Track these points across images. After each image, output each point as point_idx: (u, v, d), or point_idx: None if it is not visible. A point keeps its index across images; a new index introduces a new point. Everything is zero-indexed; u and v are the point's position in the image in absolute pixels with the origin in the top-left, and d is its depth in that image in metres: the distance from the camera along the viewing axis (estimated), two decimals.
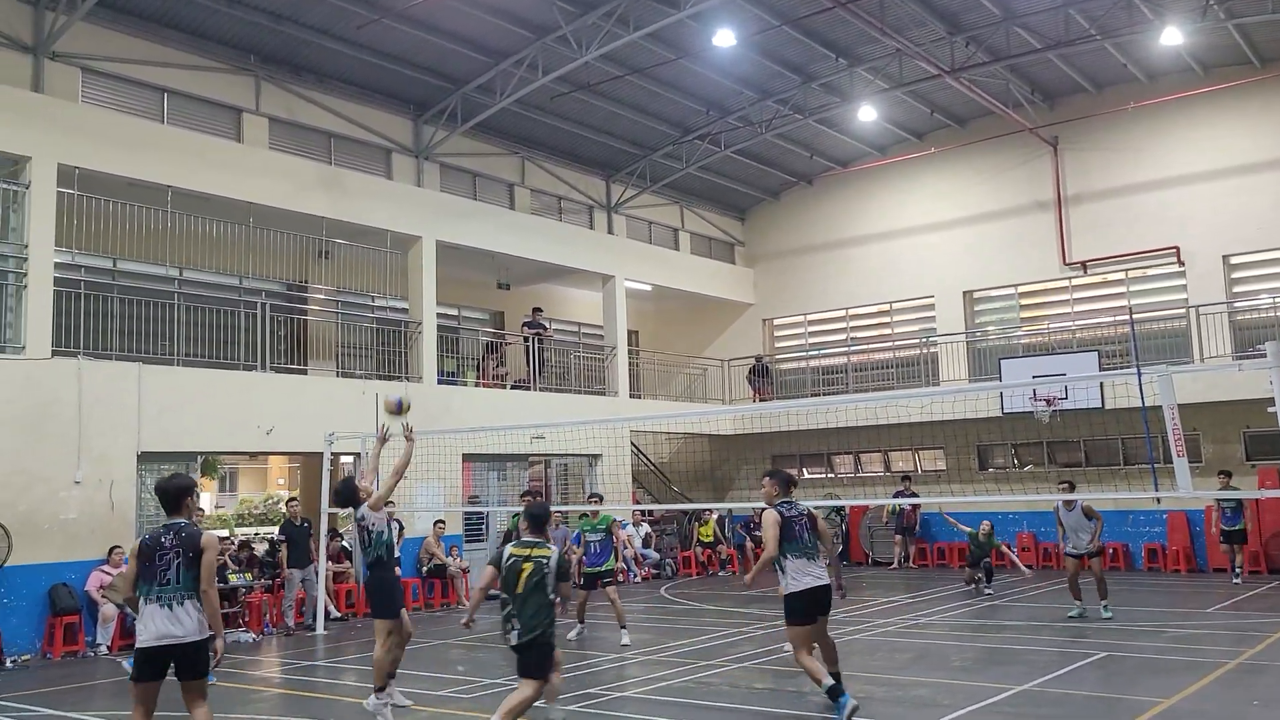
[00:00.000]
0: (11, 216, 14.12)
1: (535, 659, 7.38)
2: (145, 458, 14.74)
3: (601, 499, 15.73)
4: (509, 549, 7.67)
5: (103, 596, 13.56)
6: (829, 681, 8.21)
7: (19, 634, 13.06)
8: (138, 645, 6.44)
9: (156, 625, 6.34)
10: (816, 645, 8.63)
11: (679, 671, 10.89)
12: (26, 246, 13.87)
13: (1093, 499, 19.34)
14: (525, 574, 7.39)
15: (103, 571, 13.69)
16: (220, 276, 16.98)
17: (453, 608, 17.44)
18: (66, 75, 15.59)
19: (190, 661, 6.39)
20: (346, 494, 9.63)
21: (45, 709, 9.87)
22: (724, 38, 18.08)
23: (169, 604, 6.36)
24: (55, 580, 13.40)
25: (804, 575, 8.42)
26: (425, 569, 17.65)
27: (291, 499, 16.70)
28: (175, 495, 6.69)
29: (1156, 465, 12.08)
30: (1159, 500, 14.17)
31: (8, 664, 12.60)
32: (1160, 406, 9.48)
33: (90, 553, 13.80)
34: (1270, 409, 8.56)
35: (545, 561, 7.41)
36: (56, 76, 15.40)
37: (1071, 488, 14.57)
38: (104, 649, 13.45)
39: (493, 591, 7.89)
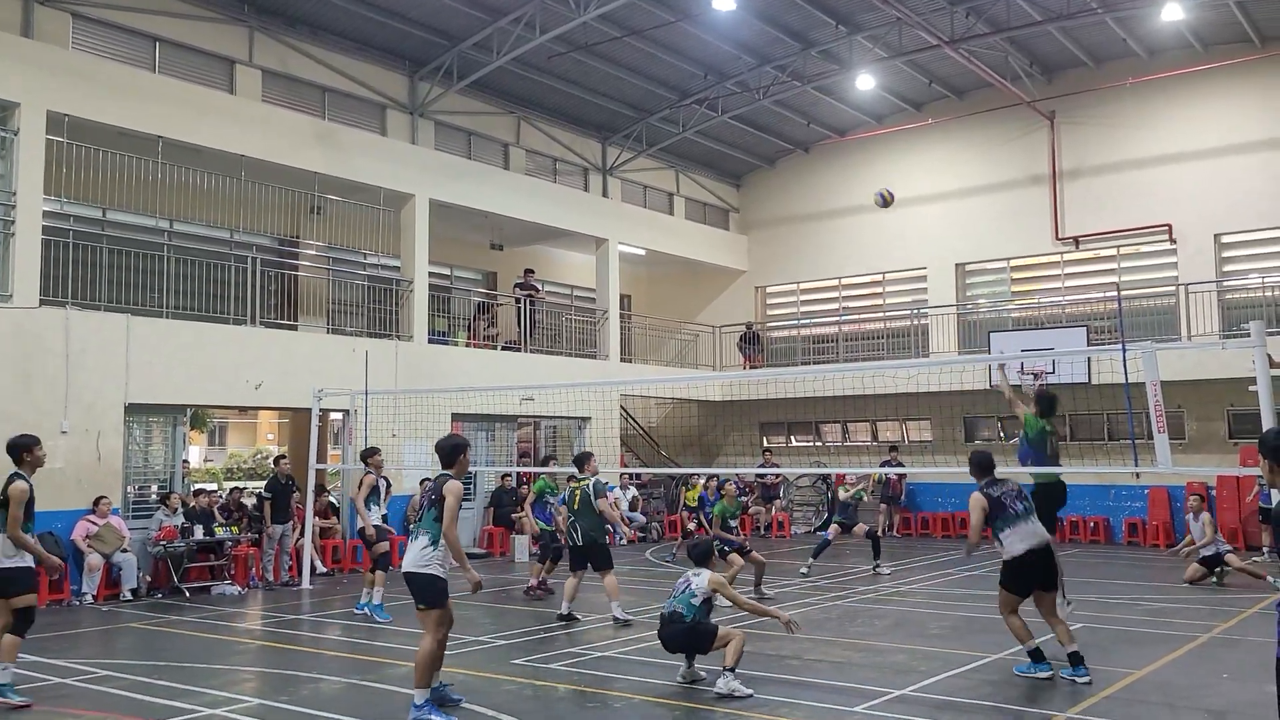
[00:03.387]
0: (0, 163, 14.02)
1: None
2: (133, 409, 14.74)
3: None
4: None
5: (88, 546, 13.61)
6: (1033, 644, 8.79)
7: None
8: None
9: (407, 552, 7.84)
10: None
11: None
12: (14, 194, 13.78)
13: (1075, 473, 19.53)
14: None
15: (89, 521, 13.73)
16: (211, 229, 16.91)
17: None
18: (57, 20, 15.41)
19: (416, 588, 7.63)
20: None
21: (31, 656, 9.93)
22: (724, 1, 17.93)
23: (414, 537, 7.82)
24: (41, 529, 13.34)
25: (1020, 541, 8.69)
26: (412, 527, 17.72)
27: (281, 456, 16.77)
28: (448, 453, 7.95)
29: (1139, 441, 12.18)
30: (1138, 475, 14.29)
31: None
32: (1144, 383, 9.53)
33: (76, 502, 13.84)
34: (1252, 388, 8.63)
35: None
36: (47, 21, 15.22)
37: (1201, 502, 15.08)
38: (89, 598, 13.51)
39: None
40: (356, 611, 12.40)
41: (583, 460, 12.57)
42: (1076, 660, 8.55)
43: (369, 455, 13.12)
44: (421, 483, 15.94)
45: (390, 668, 9.43)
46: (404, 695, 8.33)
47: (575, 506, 12.07)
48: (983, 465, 9.09)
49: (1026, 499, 8.97)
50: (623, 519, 14.04)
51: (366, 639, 10.82)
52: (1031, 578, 8.77)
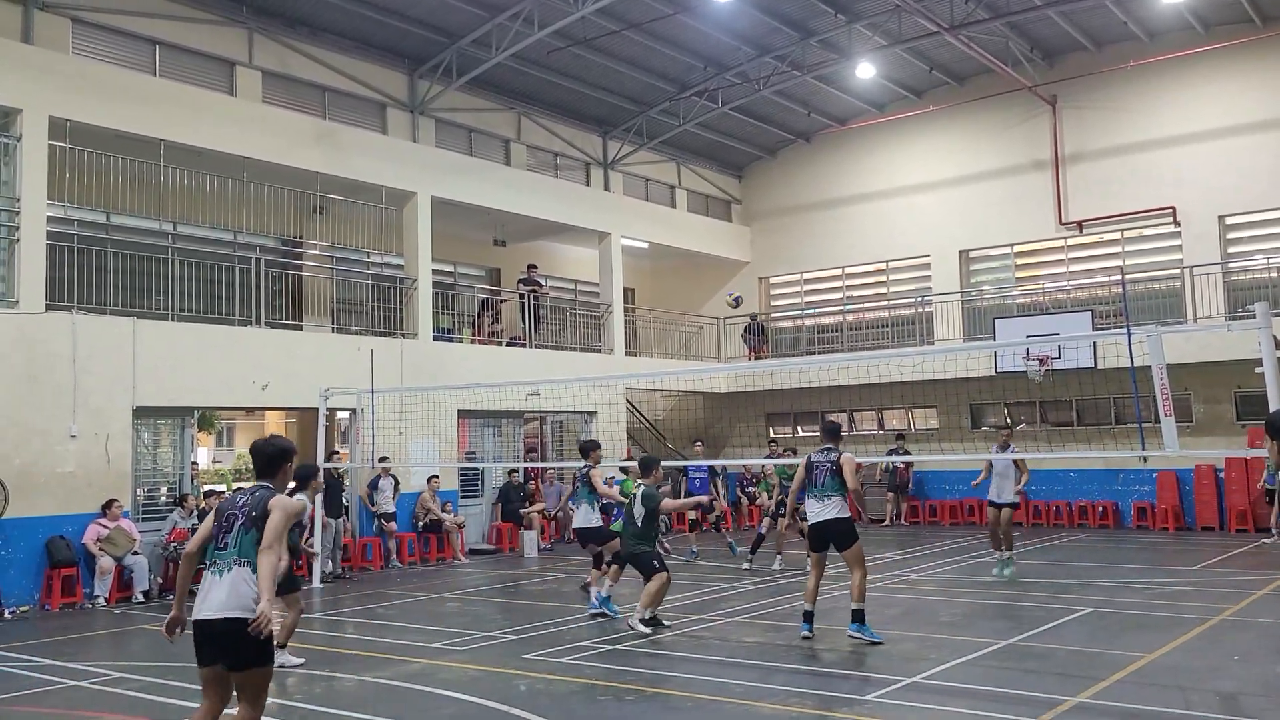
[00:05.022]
0: (3, 169, 14.04)
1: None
2: (141, 412, 14.79)
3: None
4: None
5: (100, 549, 13.67)
6: (806, 608, 10.00)
7: (17, 586, 13.19)
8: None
9: (206, 593, 5.45)
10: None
11: (670, 625, 11.01)
12: (18, 200, 13.81)
13: (1083, 458, 19.58)
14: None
15: (99, 525, 13.79)
16: (214, 231, 16.94)
17: (448, 562, 17.61)
18: (57, 26, 15.43)
19: (248, 639, 5.28)
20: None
21: (43, 659, 10.01)
22: None
23: (220, 571, 5.44)
24: (52, 533, 13.51)
25: (810, 512, 10.09)
26: (421, 524, 17.80)
27: (335, 452, 16.93)
28: (271, 459, 5.79)
29: (1146, 425, 12.17)
30: (1146, 459, 14.28)
31: (6, 615, 12.73)
32: (1150, 367, 9.52)
33: (87, 506, 13.89)
34: (1258, 369, 8.62)
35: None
36: (47, 27, 15.24)
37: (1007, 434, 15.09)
38: (101, 601, 13.58)
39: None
40: (592, 610, 11.59)
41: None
42: (856, 618, 9.66)
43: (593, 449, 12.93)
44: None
45: (403, 664, 9.46)
46: (416, 692, 8.38)
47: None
48: (828, 431, 10.23)
49: (835, 477, 9.84)
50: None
51: (377, 636, 10.87)
52: (822, 541, 9.99)
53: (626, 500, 11.62)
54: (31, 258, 13.79)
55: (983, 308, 23.22)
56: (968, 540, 18.84)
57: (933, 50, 21.83)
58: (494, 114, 22.10)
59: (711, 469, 18.38)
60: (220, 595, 5.35)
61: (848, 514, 9.96)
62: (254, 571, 5.36)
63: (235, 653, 5.32)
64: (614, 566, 11.71)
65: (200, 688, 5.54)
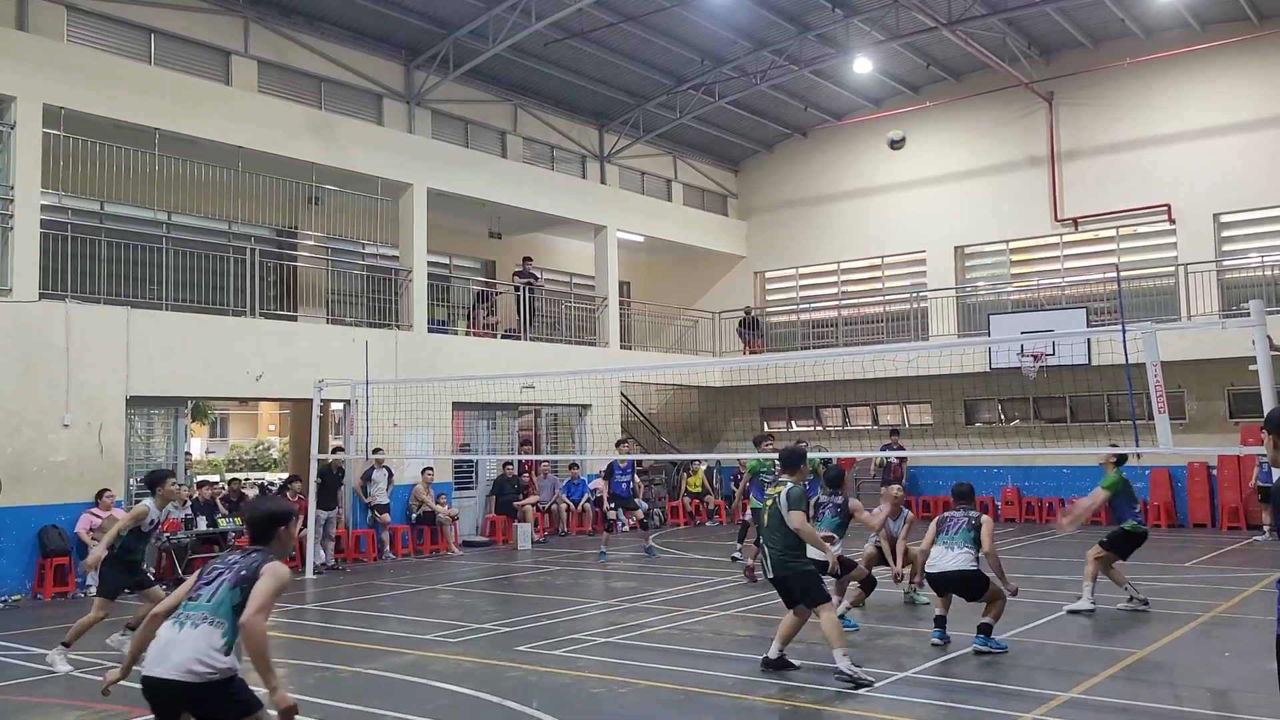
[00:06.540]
0: None
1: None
2: (134, 401, 14.76)
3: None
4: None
5: (92, 539, 13.64)
6: (938, 612, 9.54)
7: (9, 574, 13.17)
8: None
9: (164, 646, 4.78)
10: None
11: (663, 619, 11.04)
12: (12, 188, 13.75)
13: (1076, 454, 19.61)
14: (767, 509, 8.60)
15: (92, 514, 13.77)
16: (209, 221, 16.91)
17: (441, 554, 17.61)
18: (51, 13, 15.35)
19: (200, 705, 4.76)
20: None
21: (35, 648, 9.99)
22: None
23: (183, 623, 4.77)
24: (45, 522, 13.49)
25: (933, 557, 9.49)
26: (414, 516, 17.79)
27: (337, 447, 17.00)
28: (263, 525, 5.06)
29: (1139, 421, 12.20)
30: (1139, 456, 14.29)
31: None
32: (1145, 363, 9.55)
33: (79, 495, 13.87)
34: (1252, 367, 8.64)
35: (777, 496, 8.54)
36: (41, 14, 15.17)
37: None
38: (94, 590, 13.52)
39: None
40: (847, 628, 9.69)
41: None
42: (982, 630, 9.11)
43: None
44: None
45: (395, 655, 9.46)
46: (409, 683, 8.38)
47: (765, 522, 8.77)
48: (961, 495, 9.90)
49: (971, 530, 9.32)
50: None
51: (370, 628, 10.87)
52: (945, 588, 9.46)
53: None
54: (25, 246, 13.74)
55: (977, 304, 23.26)
56: None
57: (930, 46, 21.81)
58: (490, 106, 22.06)
59: (634, 466, 18.10)
60: (182, 654, 4.64)
61: (976, 566, 9.22)
62: (224, 636, 4.68)
63: (209, 712, 4.72)
64: (859, 590, 10.53)
65: None
